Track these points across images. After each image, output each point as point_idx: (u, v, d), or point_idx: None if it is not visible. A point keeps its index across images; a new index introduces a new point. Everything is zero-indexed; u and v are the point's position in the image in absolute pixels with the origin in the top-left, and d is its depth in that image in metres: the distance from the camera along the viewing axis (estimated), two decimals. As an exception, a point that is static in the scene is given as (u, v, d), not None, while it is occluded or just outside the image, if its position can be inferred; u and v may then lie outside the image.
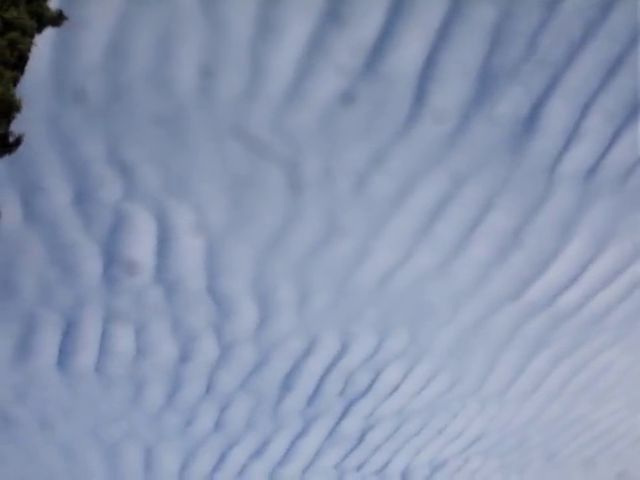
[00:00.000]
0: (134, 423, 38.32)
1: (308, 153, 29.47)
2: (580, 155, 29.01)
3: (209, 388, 37.78)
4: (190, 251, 34.18)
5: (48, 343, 36.04)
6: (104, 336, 36.08)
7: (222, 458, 38.10)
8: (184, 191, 32.88)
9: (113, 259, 36.17)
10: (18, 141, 9.95)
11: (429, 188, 30.93)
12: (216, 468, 38.15)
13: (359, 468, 37.28)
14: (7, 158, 10.89)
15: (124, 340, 35.70)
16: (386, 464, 37.11)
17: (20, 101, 9.72)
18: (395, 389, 35.80)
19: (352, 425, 37.04)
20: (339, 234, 33.35)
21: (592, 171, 29.33)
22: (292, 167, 30.18)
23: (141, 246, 34.62)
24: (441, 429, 36.47)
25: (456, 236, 32.82)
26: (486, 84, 27.32)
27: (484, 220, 31.79)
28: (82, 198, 32.35)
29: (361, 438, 37.17)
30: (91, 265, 34.83)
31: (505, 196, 31.36)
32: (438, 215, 32.07)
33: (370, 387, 36.17)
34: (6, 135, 9.82)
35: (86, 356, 36.03)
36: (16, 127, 10.43)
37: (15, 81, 9.61)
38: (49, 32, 11.64)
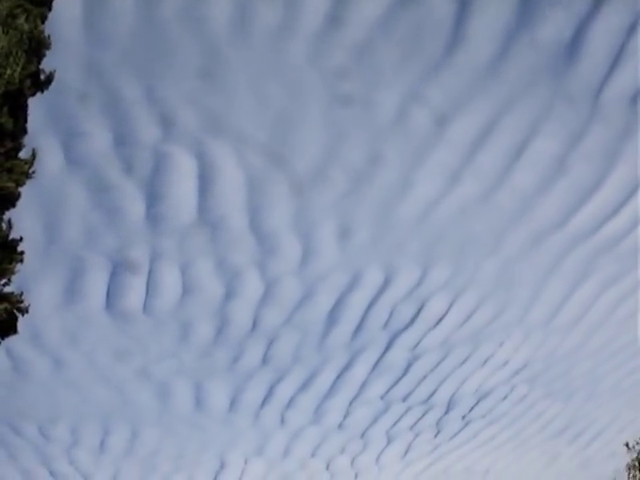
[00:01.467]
0: (183, 361, 39.09)
1: (345, 85, 29.14)
2: (625, 79, 28.24)
3: (255, 324, 38.28)
4: (231, 189, 34.32)
5: (96, 286, 36.72)
6: (150, 277, 36.63)
7: (270, 392, 38.80)
8: (223, 129, 32.86)
9: (155, 200, 36.52)
10: (49, 79, 9.97)
11: (471, 117, 30.45)
12: (265, 401, 38.89)
13: (405, 398, 37.70)
14: (44, 102, 10.94)
15: (170, 280, 36.22)
16: (432, 394, 37.44)
17: (49, 38, 9.72)
18: (440, 320, 35.89)
19: (397, 357, 37.35)
20: (379, 166, 33.11)
21: (638, 95, 28.56)
22: (330, 100, 29.94)
23: (182, 186, 34.85)
24: (486, 358, 36.59)
25: (499, 165, 32.41)
26: (527, 8, 26.62)
27: (527, 148, 31.28)
28: (121, 141, 32.54)
29: (407, 369, 37.49)
30: (134, 207, 35.25)
31: (549, 123, 30.76)
32: (480, 144, 31.62)
33: (414, 319, 36.32)
34: (37, 73, 9.84)
35: (133, 297, 36.67)
36: (48, 66, 10.44)
37: (43, 18, 9.60)
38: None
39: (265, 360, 38.69)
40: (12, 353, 33.14)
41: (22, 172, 9.48)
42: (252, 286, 37.08)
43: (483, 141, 31.34)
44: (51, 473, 36.78)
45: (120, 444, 38.33)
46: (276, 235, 36.58)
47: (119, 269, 38.52)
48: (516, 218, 35.29)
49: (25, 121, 9.72)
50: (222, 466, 38.94)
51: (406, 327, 36.86)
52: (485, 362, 36.69)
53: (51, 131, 29.45)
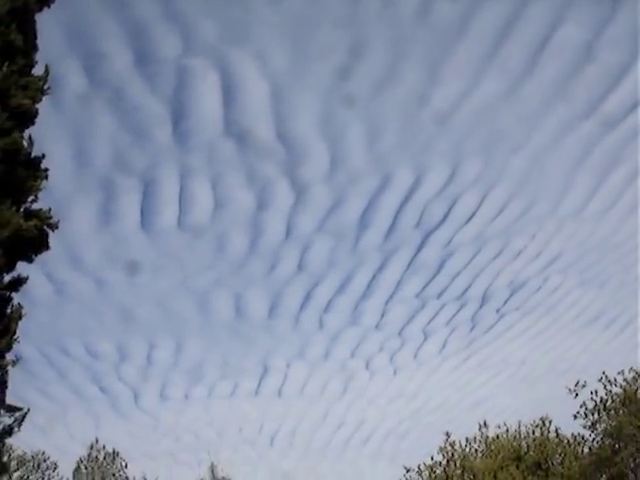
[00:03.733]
0: (221, 272, 39.82)
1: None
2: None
3: (289, 232, 38.73)
4: (256, 99, 34.25)
5: (130, 206, 37.30)
6: (182, 193, 37.08)
7: (308, 297, 39.48)
8: (243, 39, 32.55)
9: (181, 116, 36.62)
10: (55, -8, 9.91)
11: (495, 7, 29.90)
12: (303, 307, 39.65)
13: (440, 295, 38.09)
14: (61, 25, 10.84)
15: (202, 195, 36.63)
16: (466, 289, 37.76)
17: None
18: (471, 216, 35.89)
19: (431, 255, 37.61)
20: (404, 65, 32.75)
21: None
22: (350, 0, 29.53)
23: (207, 100, 34.85)
24: (519, 251, 36.66)
25: (526, 56, 31.87)
26: None
27: (554, 37, 30.68)
28: (143, 59, 32.50)
29: (440, 266, 37.76)
30: (161, 125, 35.39)
31: (574, 10, 30.08)
32: (506, 35, 31.14)
33: (446, 216, 36.38)
34: (42, -13, 9.77)
35: (167, 214, 37.24)
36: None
37: None
38: None
39: (301, 267, 39.27)
40: (53, 277, 34.02)
41: (37, 89, 9.53)
42: (283, 195, 37.38)
43: (508, 32, 30.77)
44: (101, 389, 38.18)
45: (166, 357, 39.52)
46: (304, 142, 36.60)
47: (151, 188, 39.06)
48: (544, 109, 34.89)
49: (35, 37, 9.73)
50: (265, 371, 40.04)
51: (438, 225, 37.00)
52: (518, 255, 36.79)
53: (72, 55, 29.48)
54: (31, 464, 30.27)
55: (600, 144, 33.52)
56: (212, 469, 23.79)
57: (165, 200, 37.17)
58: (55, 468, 30.81)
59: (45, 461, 30.60)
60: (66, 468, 30.67)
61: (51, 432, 34.11)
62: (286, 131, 35.59)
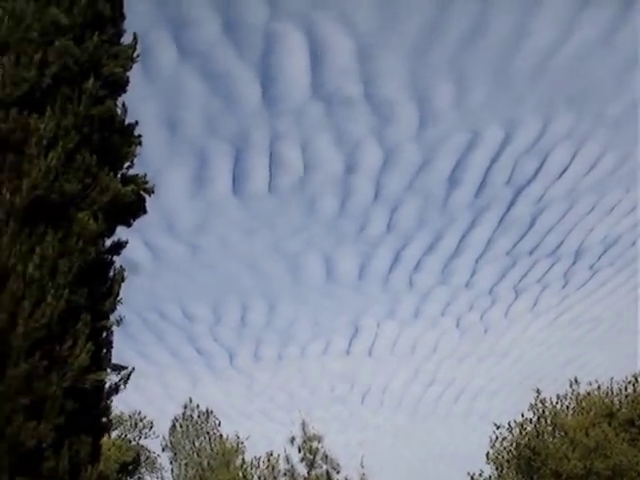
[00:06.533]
0: (311, 234, 40.30)
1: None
2: None
3: (378, 193, 38.87)
4: (343, 61, 34.18)
5: (221, 172, 38.05)
6: (272, 157, 37.57)
7: (397, 257, 39.66)
8: (330, 1, 32.40)
9: (270, 81, 36.87)
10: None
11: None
12: (393, 267, 39.84)
13: (531, 252, 37.72)
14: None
15: (292, 158, 37.01)
16: (558, 245, 37.30)
17: None
18: (564, 171, 35.33)
19: (522, 211, 37.20)
20: (494, 15, 32.03)
21: None
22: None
23: (295, 64, 34.98)
24: (613, 206, 35.95)
25: (619, 4, 30.82)
26: None
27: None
28: (231, 25, 32.78)
29: (532, 223, 37.38)
30: (250, 90, 35.71)
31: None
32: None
33: (538, 172, 35.88)
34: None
35: (258, 179, 37.87)
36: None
37: None
38: None
39: (390, 227, 39.41)
40: (150, 244, 35.11)
41: (127, 57, 9.73)
42: (372, 156, 37.42)
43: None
44: (197, 351, 39.45)
45: (259, 318, 40.38)
46: (392, 102, 36.39)
47: (241, 153, 39.64)
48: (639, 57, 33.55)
49: (122, 6, 9.95)
50: (356, 330, 40.51)
51: (530, 181, 36.56)
52: (612, 210, 36.02)
53: (161, 24, 29.95)
54: (128, 423, 31.53)
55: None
56: (303, 427, 24.30)
57: (256, 165, 37.72)
58: (151, 427, 32.06)
59: (142, 420, 31.85)
60: (163, 427, 31.85)
61: (150, 393, 35.37)
62: (374, 91, 35.50)
